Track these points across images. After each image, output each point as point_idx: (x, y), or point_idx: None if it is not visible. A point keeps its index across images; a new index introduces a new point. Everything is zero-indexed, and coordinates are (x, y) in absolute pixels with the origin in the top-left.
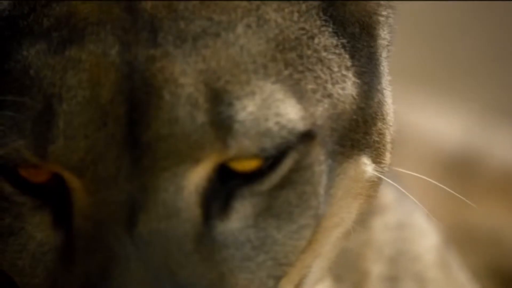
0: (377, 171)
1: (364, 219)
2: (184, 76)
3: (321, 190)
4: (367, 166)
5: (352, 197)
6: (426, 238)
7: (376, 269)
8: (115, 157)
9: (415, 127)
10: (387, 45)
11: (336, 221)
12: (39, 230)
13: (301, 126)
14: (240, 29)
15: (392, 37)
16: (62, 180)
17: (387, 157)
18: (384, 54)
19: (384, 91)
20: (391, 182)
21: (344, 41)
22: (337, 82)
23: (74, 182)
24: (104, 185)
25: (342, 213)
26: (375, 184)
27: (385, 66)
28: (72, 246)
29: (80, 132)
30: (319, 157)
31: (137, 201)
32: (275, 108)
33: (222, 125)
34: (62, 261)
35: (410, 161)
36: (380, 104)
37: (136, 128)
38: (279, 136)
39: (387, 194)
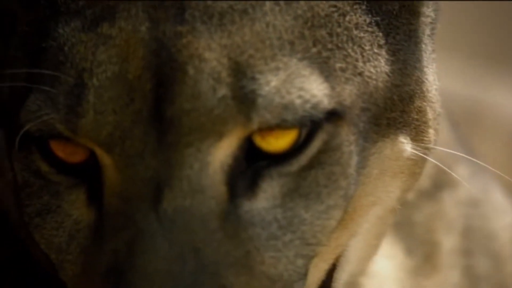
0: (417, 149)
1: (431, 192)
2: (208, 51)
3: (351, 170)
4: (405, 144)
5: (390, 175)
6: (503, 216)
7: (448, 242)
8: (142, 133)
9: (493, 106)
10: (431, 23)
11: (372, 200)
12: (74, 208)
13: (326, 103)
14: (267, 6)
15: (437, 15)
16: (96, 159)
17: (430, 134)
18: (427, 31)
19: (425, 68)
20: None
21: (378, 18)
22: (369, 60)
23: (105, 159)
24: (132, 161)
25: (378, 192)
26: (419, 162)
27: (427, 44)
28: (103, 224)
29: (109, 107)
30: (348, 137)
31: (162, 177)
32: (299, 84)
33: (244, 99)
34: (94, 239)
35: (488, 140)
36: (419, 81)
37: (162, 104)
38: (302, 109)
39: (460, 169)
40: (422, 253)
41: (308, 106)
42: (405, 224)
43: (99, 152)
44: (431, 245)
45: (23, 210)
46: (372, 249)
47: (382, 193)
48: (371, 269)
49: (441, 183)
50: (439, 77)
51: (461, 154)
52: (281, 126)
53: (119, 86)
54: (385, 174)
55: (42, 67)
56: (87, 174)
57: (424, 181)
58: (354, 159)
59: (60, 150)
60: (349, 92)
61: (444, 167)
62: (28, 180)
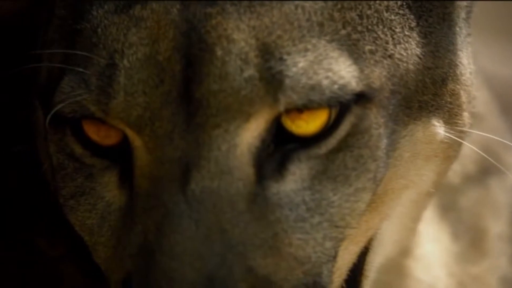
0: (450, 132)
1: (478, 177)
2: (237, 32)
3: (380, 153)
4: (438, 127)
5: (423, 159)
6: None
7: (495, 228)
8: (171, 115)
9: None
10: (467, 6)
11: (404, 183)
12: (107, 191)
13: (354, 85)
14: None
15: None
16: (128, 142)
17: (465, 117)
18: (462, 15)
19: (459, 52)
20: None
21: (409, 1)
22: (399, 43)
23: (136, 140)
24: (161, 142)
25: (411, 175)
26: (453, 145)
27: (462, 27)
28: (134, 206)
29: (139, 88)
30: (377, 120)
31: (190, 158)
32: (327, 65)
33: (272, 80)
34: (124, 221)
35: None
36: (452, 64)
37: (191, 85)
38: (329, 90)
39: (509, 156)
40: (469, 238)
41: (335, 87)
42: (452, 208)
43: (130, 133)
44: (478, 231)
45: (59, 192)
46: (408, 232)
47: (415, 176)
48: (418, 252)
49: (489, 169)
50: (492, 62)
51: (508, 143)
52: (308, 107)
53: (149, 67)
54: (417, 157)
55: (76, 49)
56: (120, 156)
57: (470, 166)
58: (383, 142)
59: (94, 132)
60: (378, 74)
61: (485, 155)
62: (63, 163)
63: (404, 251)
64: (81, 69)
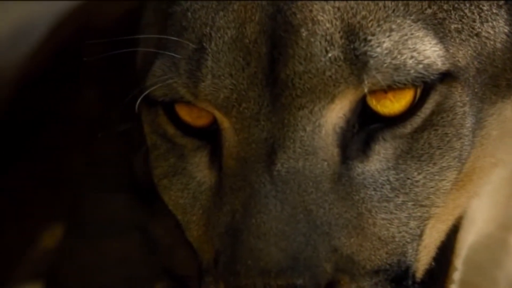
0: None
1: None
2: (322, 13)
3: (465, 132)
4: None
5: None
6: None
7: None
8: (257, 96)
9: None
10: None
11: (493, 162)
12: (198, 170)
13: (439, 64)
14: None
15: None
16: (217, 123)
17: None
18: None
19: None
20: None
21: None
22: (487, 21)
23: (224, 122)
24: (247, 123)
25: (500, 154)
26: None
27: None
28: (222, 186)
29: (225, 71)
30: (462, 98)
31: (276, 139)
32: (412, 45)
33: (356, 61)
34: (214, 200)
35: None
36: None
37: (276, 66)
38: (414, 70)
39: None
40: None
41: (420, 67)
42: None
43: (218, 115)
44: None
45: (153, 172)
46: (504, 209)
47: (504, 155)
48: None
49: None
50: None
51: None
52: (392, 87)
53: (236, 50)
54: (506, 135)
55: (167, 33)
56: (210, 137)
57: None
58: (469, 120)
59: (186, 114)
60: (464, 53)
61: None
62: (156, 143)
63: (506, 228)
64: (171, 53)
